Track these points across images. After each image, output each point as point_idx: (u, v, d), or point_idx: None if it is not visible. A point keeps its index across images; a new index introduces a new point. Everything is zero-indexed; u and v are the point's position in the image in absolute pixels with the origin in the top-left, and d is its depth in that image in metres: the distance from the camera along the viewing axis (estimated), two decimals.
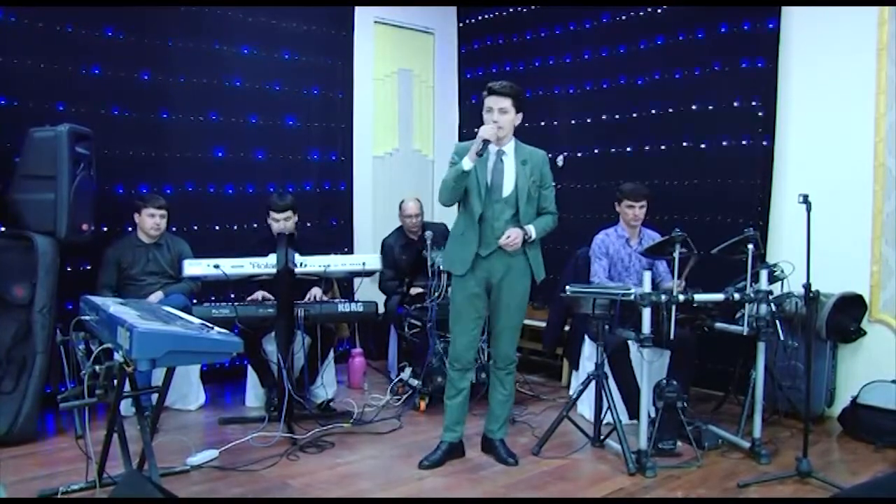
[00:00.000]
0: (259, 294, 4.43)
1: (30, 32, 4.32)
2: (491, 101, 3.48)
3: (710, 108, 4.88)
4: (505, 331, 3.63)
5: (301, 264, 4.10)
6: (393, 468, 3.62)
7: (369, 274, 4.30)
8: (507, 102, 3.47)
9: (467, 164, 3.40)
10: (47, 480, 3.29)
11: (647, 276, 3.60)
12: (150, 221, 4.43)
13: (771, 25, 4.56)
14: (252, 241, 4.66)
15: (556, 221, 3.69)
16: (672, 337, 3.59)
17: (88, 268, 4.54)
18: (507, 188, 3.53)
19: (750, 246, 3.64)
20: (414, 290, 4.91)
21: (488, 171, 3.52)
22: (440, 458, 3.65)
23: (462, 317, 3.59)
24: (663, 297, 3.57)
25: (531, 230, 3.53)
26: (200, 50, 5.00)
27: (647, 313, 3.55)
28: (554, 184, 3.71)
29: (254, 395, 4.61)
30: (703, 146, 4.93)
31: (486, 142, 3.38)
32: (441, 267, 3.68)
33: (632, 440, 3.64)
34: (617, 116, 5.40)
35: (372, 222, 6.02)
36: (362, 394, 4.89)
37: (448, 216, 4.38)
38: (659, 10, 5.10)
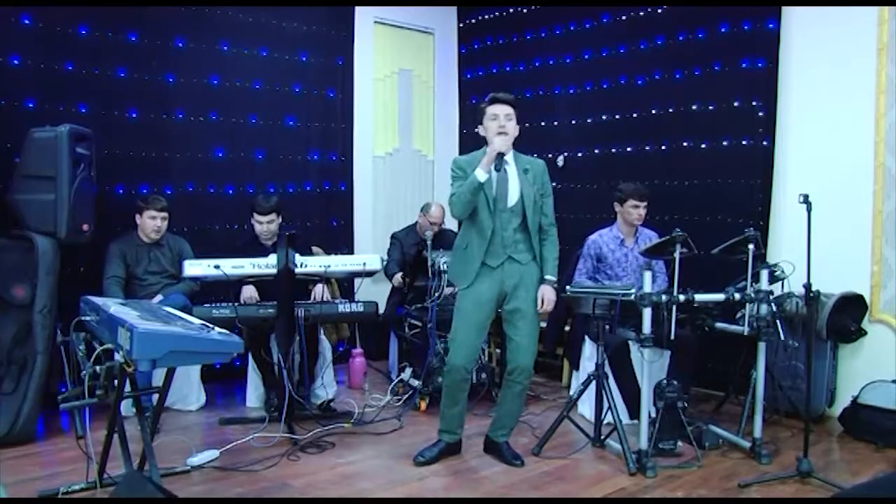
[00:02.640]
0: (249, 290, 4.39)
1: (30, 33, 4.32)
2: (497, 109, 3.49)
3: (710, 108, 4.88)
4: (525, 341, 3.57)
5: (301, 264, 4.11)
6: (393, 468, 3.61)
7: (370, 274, 4.30)
8: (511, 110, 3.50)
9: (482, 175, 3.38)
10: (47, 480, 3.29)
11: (647, 275, 3.60)
12: (152, 224, 4.42)
13: (771, 25, 4.56)
14: (237, 244, 4.60)
15: (556, 234, 3.69)
16: (672, 337, 3.59)
17: (89, 268, 4.54)
18: (513, 198, 3.53)
19: (750, 246, 3.64)
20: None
21: (493, 182, 3.50)
22: (436, 455, 3.66)
23: (468, 324, 3.55)
24: (664, 297, 3.57)
25: (552, 279, 3.61)
26: (200, 50, 5.00)
27: (647, 313, 3.55)
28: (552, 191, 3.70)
29: (254, 395, 4.61)
30: (703, 146, 4.93)
31: (500, 155, 3.38)
32: (448, 279, 3.71)
33: (632, 440, 3.64)
34: (617, 116, 5.40)
35: (372, 222, 6.02)
36: (363, 394, 4.89)
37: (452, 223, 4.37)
38: (659, 10, 5.11)
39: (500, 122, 3.46)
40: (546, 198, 3.64)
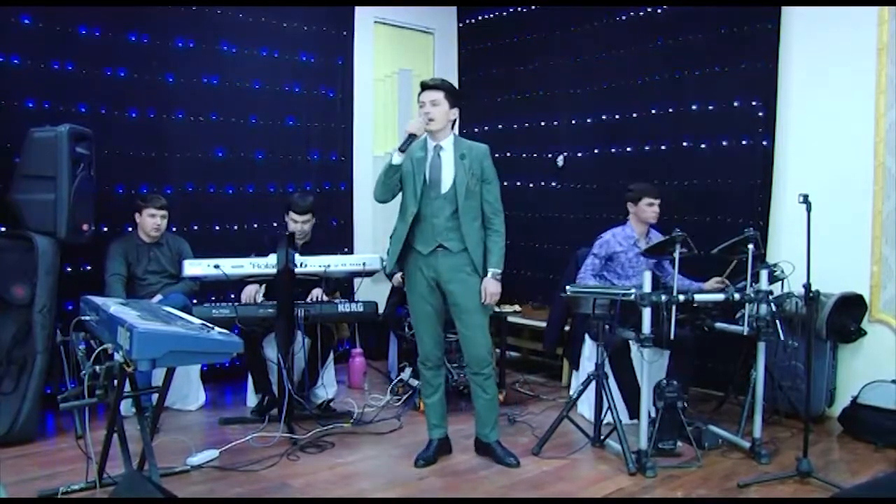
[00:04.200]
0: (250, 289, 4.35)
1: (30, 33, 4.32)
2: (423, 96, 3.50)
3: (710, 108, 4.88)
4: (470, 333, 3.57)
5: (301, 264, 4.10)
6: (393, 468, 3.62)
7: (370, 274, 4.31)
8: (438, 95, 3.47)
9: (396, 158, 3.40)
10: (47, 480, 3.29)
11: (648, 275, 3.60)
12: (151, 222, 4.42)
13: (771, 25, 4.56)
14: (265, 240, 4.57)
15: (504, 225, 3.59)
16: (672, 337, 3.59)
17: (88, 268, 4.54)
18: (446, 184, 3.50)
19: (750, 246, 3.65)
20: None
21: (426, 167, 3.50)
22: (433, 455, 3.68)
23: (420, 316, 3.61)
24: (663, 297, 3.57)
25: (496, 271, 3.52)
26: (200, 50, 5.00)
27: (647, 313, 3.55)
28: (499, 180, 3.61)
29: (254, 395, 4.60)
30: (703, 146, 4.94)
31: (411, 136, 3.40)
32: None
33: (632, 440, 3.64)
34: (617, 116, 5.40)
35: (372, 222, 6.01)
36: (362, 394, 4.89)
37: None
38: (659, 11, 5.10)
39: (426, 108, 3.46)
40: (488, 184, 3.55)
